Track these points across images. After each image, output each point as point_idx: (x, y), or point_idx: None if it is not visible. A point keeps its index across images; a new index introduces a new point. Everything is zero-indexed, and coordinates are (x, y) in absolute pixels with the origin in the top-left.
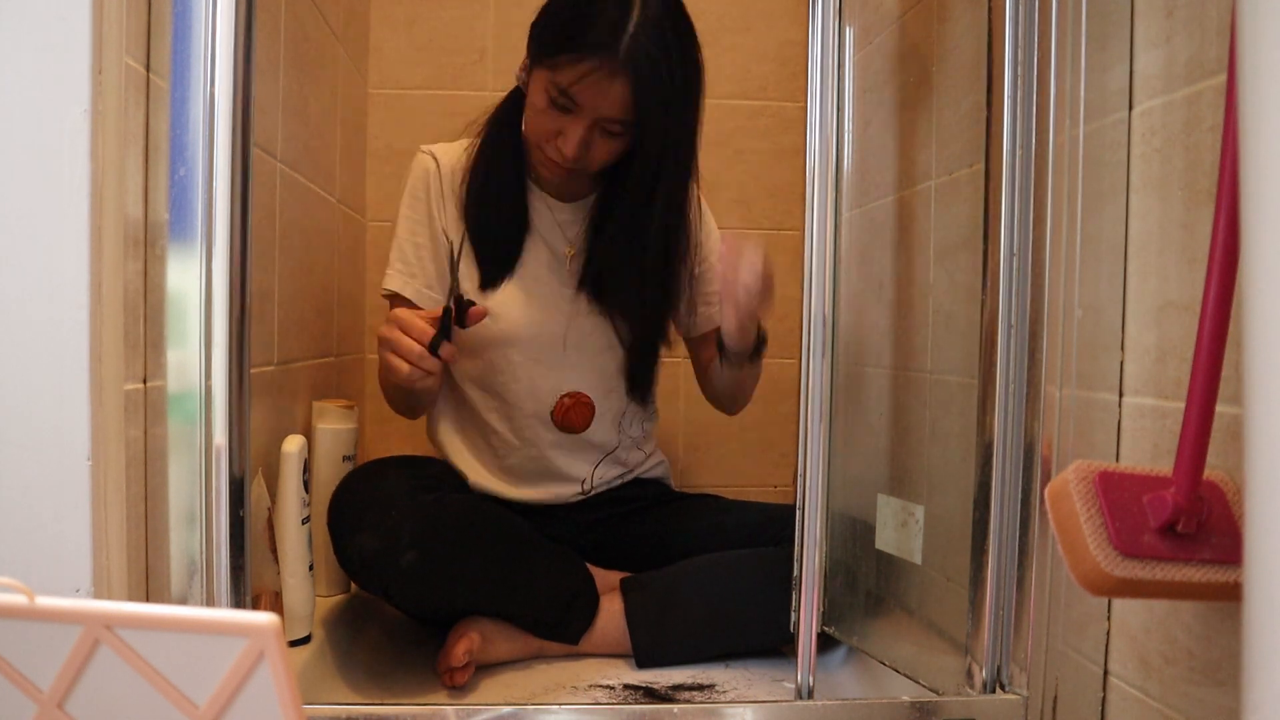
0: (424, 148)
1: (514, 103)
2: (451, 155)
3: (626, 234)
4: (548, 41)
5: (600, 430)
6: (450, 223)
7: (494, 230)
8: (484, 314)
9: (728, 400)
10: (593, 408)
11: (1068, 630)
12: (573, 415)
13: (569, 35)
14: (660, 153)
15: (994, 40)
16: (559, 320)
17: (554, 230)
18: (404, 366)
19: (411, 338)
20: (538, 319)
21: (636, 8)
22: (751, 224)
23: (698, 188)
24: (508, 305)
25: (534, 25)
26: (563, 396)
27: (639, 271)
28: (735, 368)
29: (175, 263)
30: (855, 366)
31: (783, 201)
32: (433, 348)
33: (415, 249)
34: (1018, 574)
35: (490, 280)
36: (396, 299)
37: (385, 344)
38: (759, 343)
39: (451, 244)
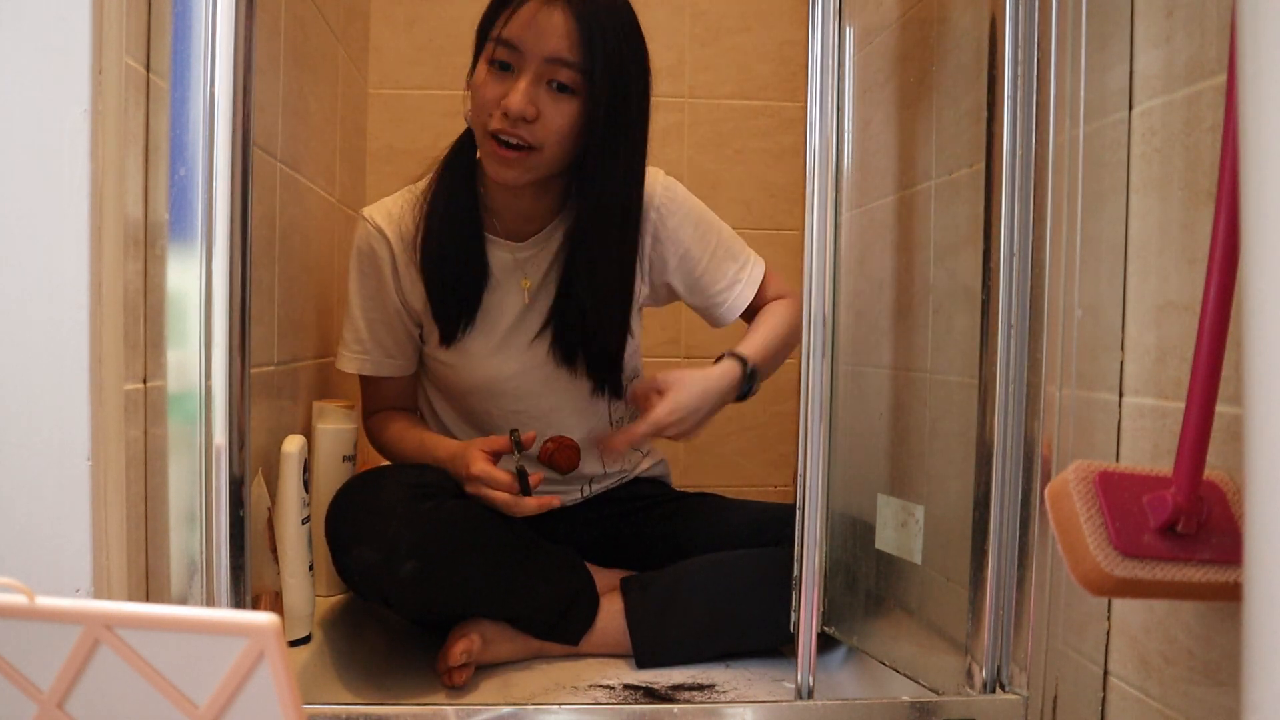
0: (366, 215)
1: (464, 143)
2: (400, 221)
3: (591, 245)
4: (486, 20)
5: (590, 462)
6: (410, 291)
7: (454, 283)
8: (539, 481)
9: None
10: (578, 450)
11: (1068, 630)
12: (558, 458)
13: None
14: (619, 105)
15: (994, 40)
16: (529, 366)
17: (514, 273)
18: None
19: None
20: (507, 369)
21: None
22: (751, 224)
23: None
24: (476, 358)
25: (477, 29)
26: (546, 442)
27: (596, 288)
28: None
29: (175, 263)
30: (855, 366)
31: (783, 201)
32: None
33: (369, 325)
34: (1018, 574)
35: (449, 336)
36: (363, 378)
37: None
38: (744, 391)
39: (415, 312)
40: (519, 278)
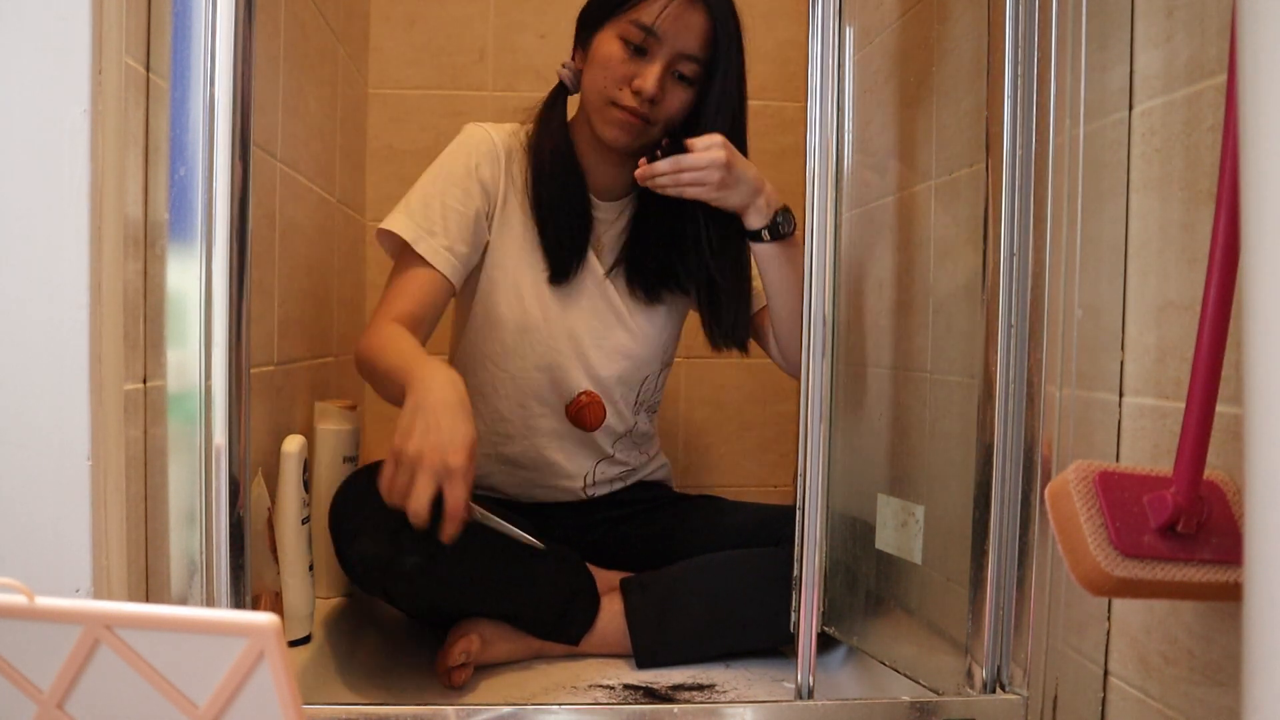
0: (481, 124)
1: (559, 96)
2: (506, 137)
3: (670, 207)
4: None
5: (607, 432)
6: (492, 206)
7: (562, 224)
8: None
9: (793, 332)
10: (605, 411)
11: (1068, 630)
12: (586, 414)
13: None
14: (724, 99)
15: (994, 40)
16: (590, 318)
17: (594, 228)
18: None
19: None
20: (568, 315)
21: None
22: None
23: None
24: (545, 303)
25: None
26: (580, 394)
27: (682, 264)
28: (767, 260)
29: (175, 263)
30: (855, 366)
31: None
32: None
33: (443, 209)
34: (1018, 574)
35: (561, 274)
36: (407, 252)
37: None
38: (782, 216)
39: (484, 228)
40: (596, 230)
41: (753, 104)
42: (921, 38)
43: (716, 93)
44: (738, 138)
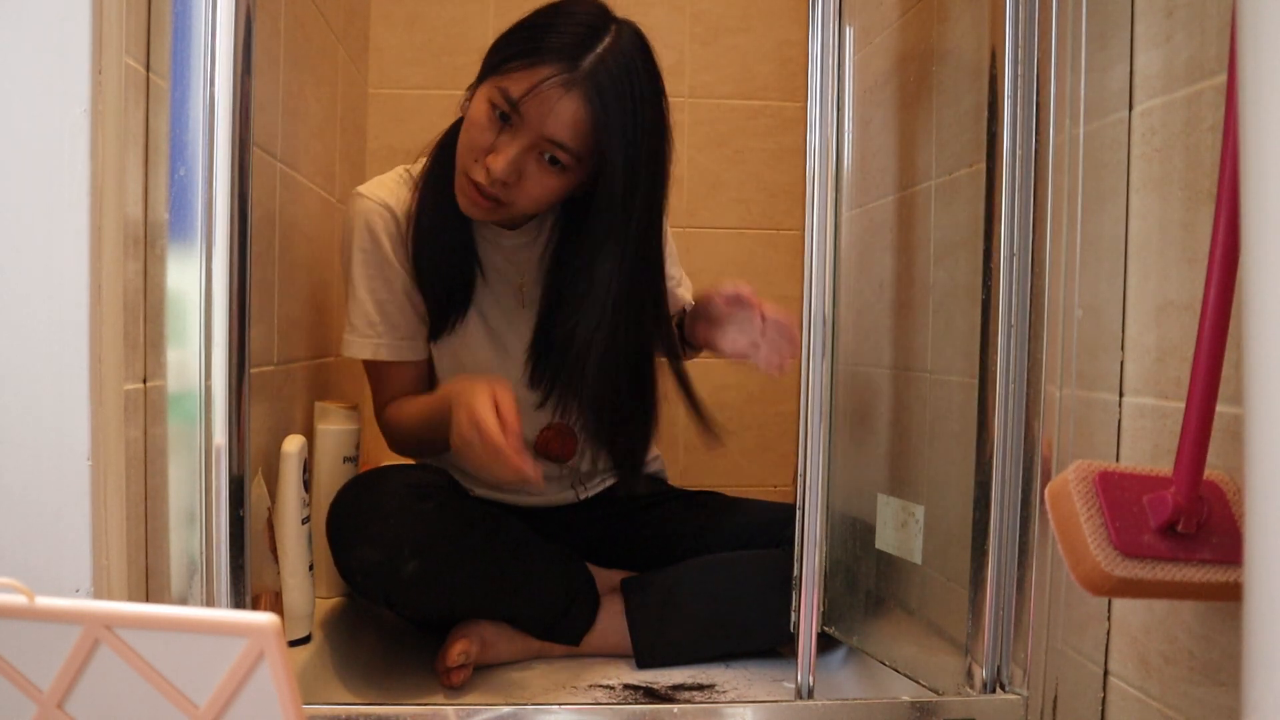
0: (364, 192)
1: (456, 132)
2: (398, 196)
3: (586, 277)
4: (505, 53)
5: (583, 456)
6: (411, 273)
7: (443, 271)
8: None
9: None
10: (575, 437)
11: (1068, 630)
12: (554, 446)
13: (530, 43)
14: (623, 198)
15: (994, 40)
16: (522, 356)
17: (505, 263)
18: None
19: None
20: (501, 359)
21: (609, 34)
22: (751, 224)
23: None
24: (469, 349)
25: (494, 44)
26: (543, 429)
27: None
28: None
29: (175, 263)
30: (855, 366)
31: (783, 201)
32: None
33: (378, 306)
34: (1018, 574)
35: (438, 330)
36: (375, 365)
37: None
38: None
39: (416, 296)
40: (512, 273)
41: (753, 104)
42: (921, 38)
43: (615, 179)
44: (652, 235)
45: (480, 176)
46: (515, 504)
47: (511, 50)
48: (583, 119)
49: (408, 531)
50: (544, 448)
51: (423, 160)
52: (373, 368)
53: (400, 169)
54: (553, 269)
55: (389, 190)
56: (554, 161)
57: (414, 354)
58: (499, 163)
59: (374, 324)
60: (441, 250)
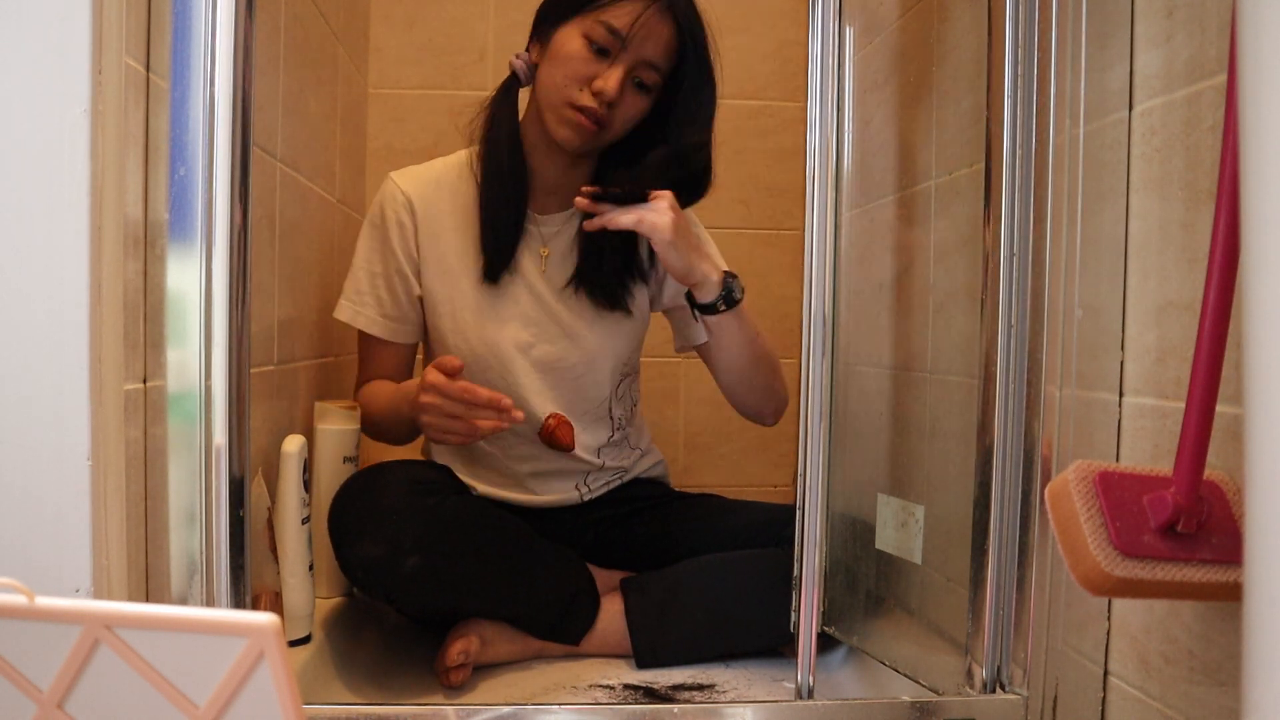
0: (393, 178)
1: (510, 88)
2: (425, 188)
3: (625, 236)
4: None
5: (586, 448)
6: (424, 258)
7: (498, 233)
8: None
9: (745, 389)
10: (572, 426)
11: (1068, 630)
12: (558, 435)
13: None
14: (688, 114)
15: (994, 40)
16: (535, 337)
17: (534, 240)
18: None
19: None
20: (515, 339)
21: None
22: (751, 224)
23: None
24: (484, 318)
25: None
26: (548, 418)
27: (631, 252)
28: (719, 326)
29: (175, 263)
30: (855, 366)
31: (783, 201)
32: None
33: (369, 278)
34: (1018, 574)
35: (492, 275)
36: (361, 342)
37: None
38: (728, 288)
39: (419, 280)
40: (538, 245)
41: (752, 104)
42: (921, 38)
43: (681, 106)
44: (703, 153)
45: (588, 101)
46: (519, 503)
47: None
48: (675, 39)
49: (409, 528)
50: (548, 438)
51: (460, 153)
52: (360, 345)
53: (439, 160)
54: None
55: (417, 181)
56: (640, 86)
57: (393, 335)
58: (611, 82)
59: (361, 293)
60: (502, 218)
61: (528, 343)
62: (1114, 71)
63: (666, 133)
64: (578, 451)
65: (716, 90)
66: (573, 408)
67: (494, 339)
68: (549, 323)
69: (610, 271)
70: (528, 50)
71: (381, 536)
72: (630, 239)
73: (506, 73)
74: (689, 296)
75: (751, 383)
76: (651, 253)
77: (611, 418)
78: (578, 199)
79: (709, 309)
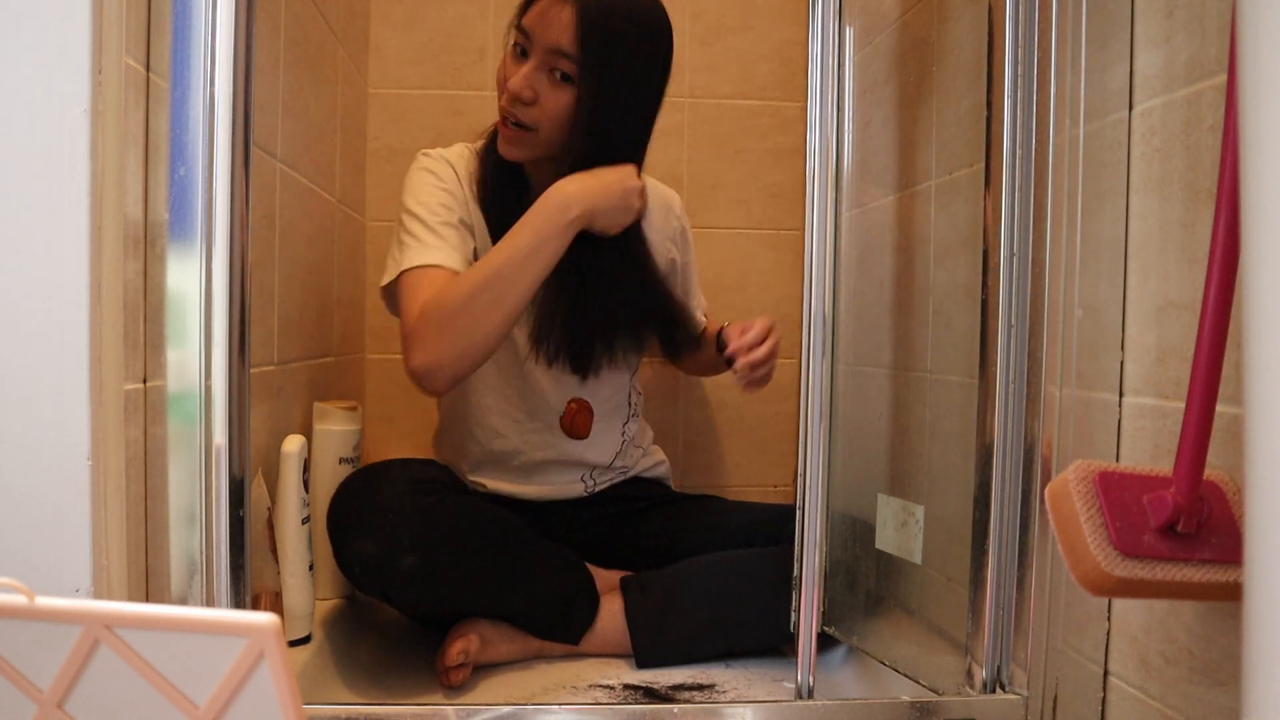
0: (426, 150)
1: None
2: (455, 158)
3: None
4: (519, 9)
5: (599, 436)
6: (466, 217)
7: (505, 212)
8: None
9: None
10: (593, 413)
11: (1068, 630)
12: (579, 421)
13: None
14: (603, 101)
15: (994, 40)
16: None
17: None
18: None
19: None
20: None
21: None
22: (751, 224)
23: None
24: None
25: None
26: (570, 402)
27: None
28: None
29: (175, 263)
30: (855, 366)
31: (783, 201)
32: None
33: (427, 228)
34: (1018, 574)
35: None
36: (410, 274)
37: None
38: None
39: (469, 237)
40: None
41: (753, 104)
42: (921, 38)
43: (600, 91)
44: (634, 142)
45: (505, 102)
46: (523, 496)
47: (522, 6)
48: (574, 21)
49: (407, 526)
50: (569, 424)
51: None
52: (412, 280)
53: (460, 145)
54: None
55: (454, 154)
56: (564, 78)
57: (448, 261)
58: (516, 80)
59: (422, 240)
60: (504, 199)
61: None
62: (1114, 71)
63: (578, 115)
64: (599, 436)
65: (654, 68)
66: (596, 396)
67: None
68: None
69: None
70: None
71: (379, 535)
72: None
73: None
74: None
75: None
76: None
77: (630, 405)
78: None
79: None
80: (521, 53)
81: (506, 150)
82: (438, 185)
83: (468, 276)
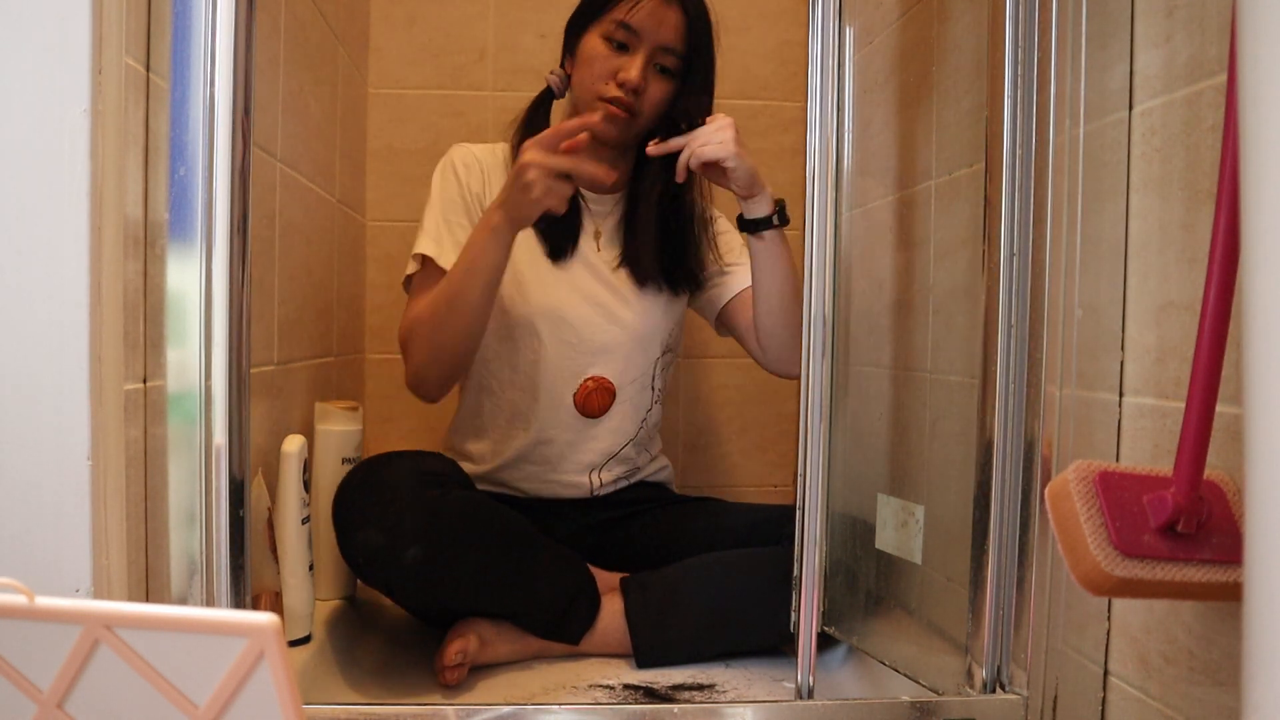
0: (465, 146)
1: (544, 100)
2: (486, 155)
3: (660, 200)
4: (597, 3)
5: (617, 419)
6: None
7: (556, 221)
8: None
9: (781, 325)
10: (613, 394)
11: (1068, 630)
12: (594, 399)
13: None
14: (700, 88)
15: (994, 40)
16: (588, 305)
17: (588, 219)
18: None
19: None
20: (572, 301)
21: None
22: None
23: None
24: (546, 286)
25: (580, 5)
26: (586, 379)
27: (670, 234)
28: (765, 251)
29: (175, 263)
30: (855, 366)
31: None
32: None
33: (446, 225)
34: (1018, 574)
35: (559, 253)
36: (423, 271)
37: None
38: (780, 205)
39: None
40: (592, 226)
41: (753, 104)
42: (921, 38)
43: (696, 82)
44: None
45: (615, 92)
46: (523, 496)
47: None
48: (683, 24)
49: (411, 517)
50: (583, 401)
51: (513, 131)
52: (411, 290)
53: (493, 144)
54: (628, 210)
55: (486, 150)
56: (663, 70)
57: (454, 258)
58: (633, 71)
59: (440, 239)
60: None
61: (584, 316)
62: (1114, 71)
63: (685, 103)
64: (620, 421)
65: (715, 65)
66: (622, 376)
67: (557, 306)
68: (606, 294)
69: (650, 248)
70: (561, 66)
71: (383, 525)
72: (674, 216)
73: (507, 73)
74: (741, 219)
75: (789, 319)
76: (694, 222)
77: (654, 389)
78: (649, 148)
79: (763, 223)
80: (619, 46)
81: (605, 130)
82: (457, 186)
83: (433, 294)
